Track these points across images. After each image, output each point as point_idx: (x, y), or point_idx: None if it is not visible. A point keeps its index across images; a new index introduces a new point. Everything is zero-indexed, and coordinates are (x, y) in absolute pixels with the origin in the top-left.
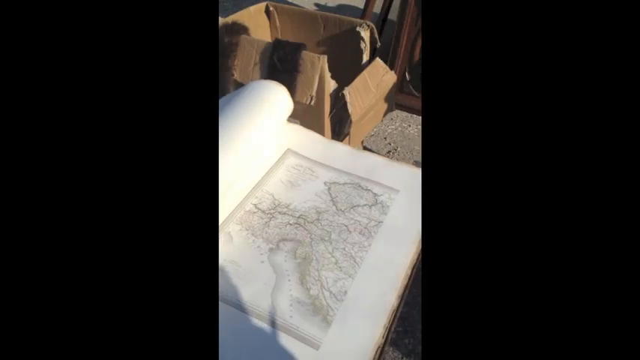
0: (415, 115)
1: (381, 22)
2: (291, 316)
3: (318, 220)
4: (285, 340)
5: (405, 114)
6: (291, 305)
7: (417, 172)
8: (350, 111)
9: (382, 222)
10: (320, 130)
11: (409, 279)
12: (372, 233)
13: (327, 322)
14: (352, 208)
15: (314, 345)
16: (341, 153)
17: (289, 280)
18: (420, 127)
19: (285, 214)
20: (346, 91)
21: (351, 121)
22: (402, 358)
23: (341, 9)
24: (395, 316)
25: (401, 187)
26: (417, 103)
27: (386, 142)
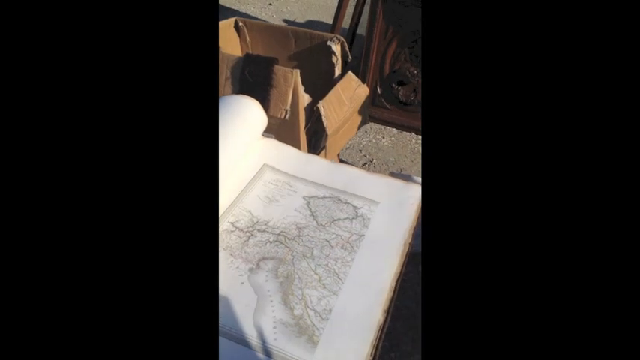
0: (388, 128)
1: (351, 36)
2: (275, 339)
3: (298, 236)
4: None
5: (378, 126)
6: (274, 327)
7: (395, 184)
8: (325, 124)
9: (364, 235)
10: (296, 145)
11: (394, 292)
12: (355, 247)
13: (313, 342)
14: (333, 222)
15: None
16: (318, 166)
17: (271, 301)
18: (393, 138)
19: (264, 231)
20: (320, 105)
21: (326, 135)
22: None
23: (310, 25)
24: (382, 331)
25: (380, 199)
26: (390, 116)
27: (361, 154)
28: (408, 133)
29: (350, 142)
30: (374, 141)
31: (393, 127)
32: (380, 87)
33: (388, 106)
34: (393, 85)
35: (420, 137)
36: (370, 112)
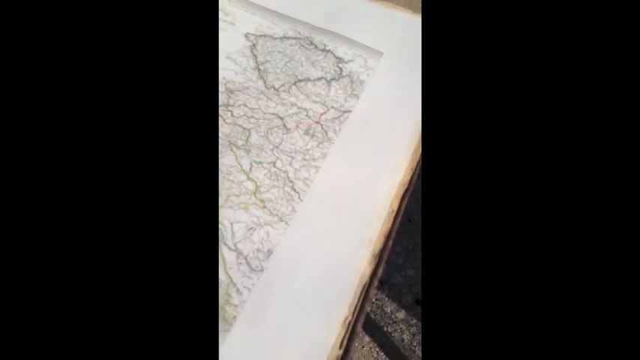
0: None
1: None
2: None
3: (226, 106)
4: None
5: None
6: None
7: (413, 20)
8: None
9: (350, 111)
10: None
11: (396, 215)
12: (331, 133)
13: (225, 320)
14: (295, 84)
15: None
16: None
17: None
18: None
19: None
20: None
21: None
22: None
23: None
24: (366, 293)
25: (386, 48)
26: None
27: None
28: None
29: None
30: None
31: None
32: None
33: None
34: None
35: None
36: None
